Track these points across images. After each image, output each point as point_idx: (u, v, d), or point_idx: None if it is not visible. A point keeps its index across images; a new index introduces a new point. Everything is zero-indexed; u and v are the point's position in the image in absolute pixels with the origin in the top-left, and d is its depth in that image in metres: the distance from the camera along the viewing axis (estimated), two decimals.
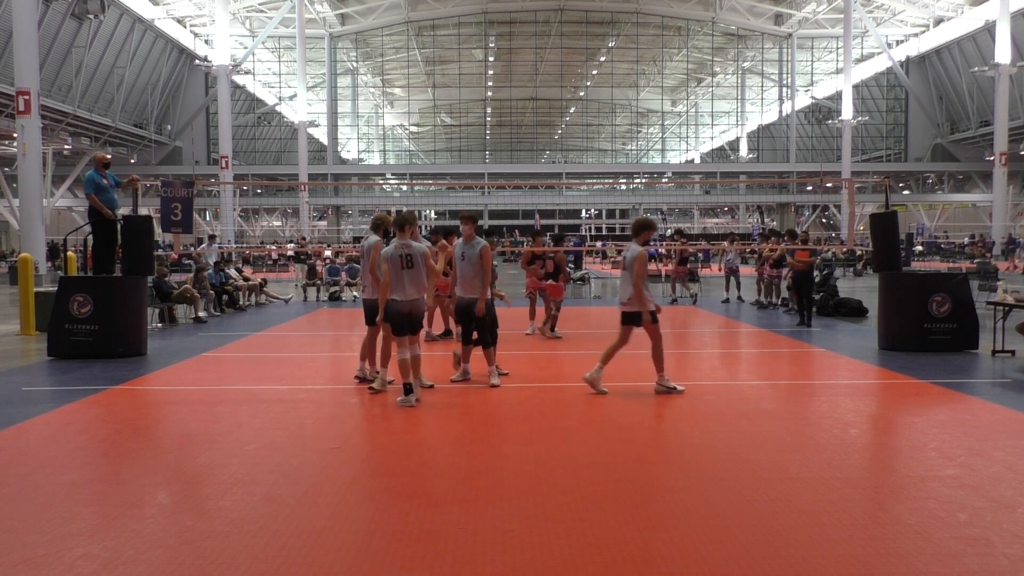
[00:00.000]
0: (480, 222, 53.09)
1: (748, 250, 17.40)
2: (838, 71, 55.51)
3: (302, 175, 48.19)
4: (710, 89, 64.87)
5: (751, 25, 58.28)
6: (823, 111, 56.74)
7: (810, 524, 4.14)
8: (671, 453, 5.59)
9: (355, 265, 20.08)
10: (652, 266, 27.20)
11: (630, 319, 7.32)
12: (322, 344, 11.86)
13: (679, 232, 21.80)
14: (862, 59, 57.33)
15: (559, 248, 12.53)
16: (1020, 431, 6.04)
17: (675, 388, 7.43)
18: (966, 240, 48.02)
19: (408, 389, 7.00)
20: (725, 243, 20.16)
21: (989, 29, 44.97)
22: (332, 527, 4.14)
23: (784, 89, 59.72)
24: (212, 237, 29.14)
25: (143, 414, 7.00)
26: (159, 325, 13.69)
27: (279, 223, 66.45)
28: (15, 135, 25.95)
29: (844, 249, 31.72)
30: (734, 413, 6.79)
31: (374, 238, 7.98)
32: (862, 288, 20.89)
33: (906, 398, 7.39)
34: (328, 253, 24.17)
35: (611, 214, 65.77)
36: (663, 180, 58.55)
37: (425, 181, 59.70)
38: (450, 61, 60.91)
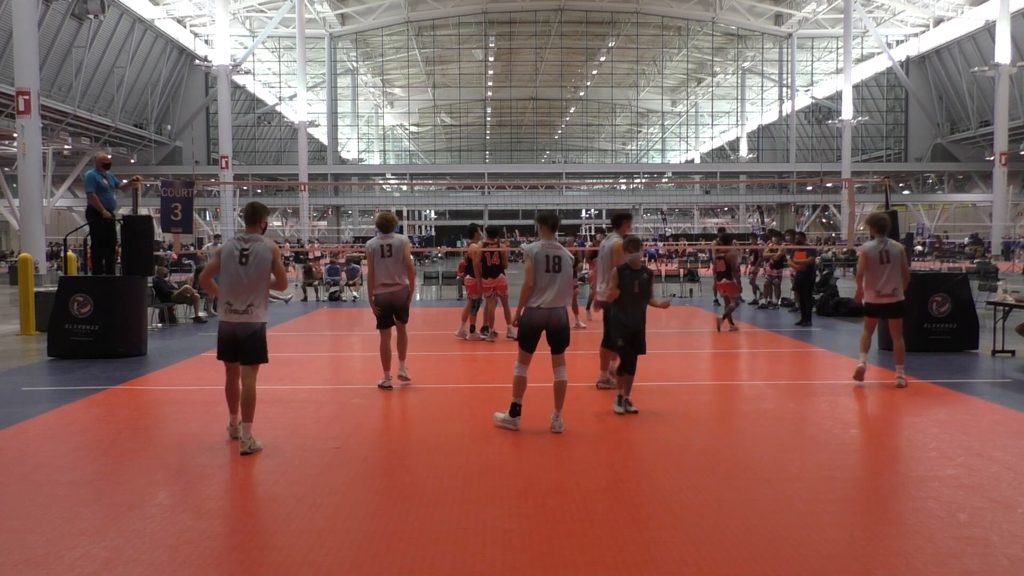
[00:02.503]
0: (479, 222, 52.91)
1: (748, 250, 17.45)
2: (838, 71, 55.47)
3: (302, 175, 48.18)
4: (710, 89, 64.85)
5: (751, 25, 58.26)
6: (823, 111, 56.70)
7: (810, 524, 4.14)
8: (671, 453, 5.59)
9: (355, 265, 20.10)
10: (652, 266, 27.22)
11: (894, 311, 7.95)
12: (322, 344, 11.85)
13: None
14: (862, 59, 57.29)
15: (727, 248, 13.09)
16: (1020, 431, 6.04)
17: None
18: (966, 240, 48.01)
19: (515, 410, 6.08)
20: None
21: (989, 29, 44.95)
22: (332, 527, 4.14)
23: (784, 89, 59.69)
24: (218, 237, 29.03)
25: (143, 414, 7.00)
26: (159, 325, 13.69)
27: (279, 223, 66.43)
28: (15, 135, 25.93)
29: (844, 249, 31.71)
30: (734, 413, 6.79)
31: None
32: None
33: (906, 398, 7.38)
34: (324, 259, 23.91)
35: (611, 214, 65.67)
36: (663, 180, 58.53)
37: (425, 181, 59.70)
38: (450, 61, 60.90)
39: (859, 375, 7.92)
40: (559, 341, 6.06)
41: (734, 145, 67.44)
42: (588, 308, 13.60)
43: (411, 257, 7.82)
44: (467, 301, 12.06)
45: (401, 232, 10.51)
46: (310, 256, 25.30)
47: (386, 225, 7.79)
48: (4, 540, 3.97)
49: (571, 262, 6.11)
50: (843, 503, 4.52)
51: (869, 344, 8.12)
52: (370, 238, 8.04)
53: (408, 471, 5.17)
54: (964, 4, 49.11)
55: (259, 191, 52.03)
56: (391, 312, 7.71)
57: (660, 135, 68.82)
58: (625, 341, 6.58)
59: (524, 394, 6.08)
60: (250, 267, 5.45)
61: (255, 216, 5.66)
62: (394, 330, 7.79)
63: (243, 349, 5.56)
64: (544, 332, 6.05)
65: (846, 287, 19.85)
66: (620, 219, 7.94)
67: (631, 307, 6.56)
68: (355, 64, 60.70)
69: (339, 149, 61.31)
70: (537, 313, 5.98)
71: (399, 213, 58.35)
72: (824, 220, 61.40)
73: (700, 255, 34.24)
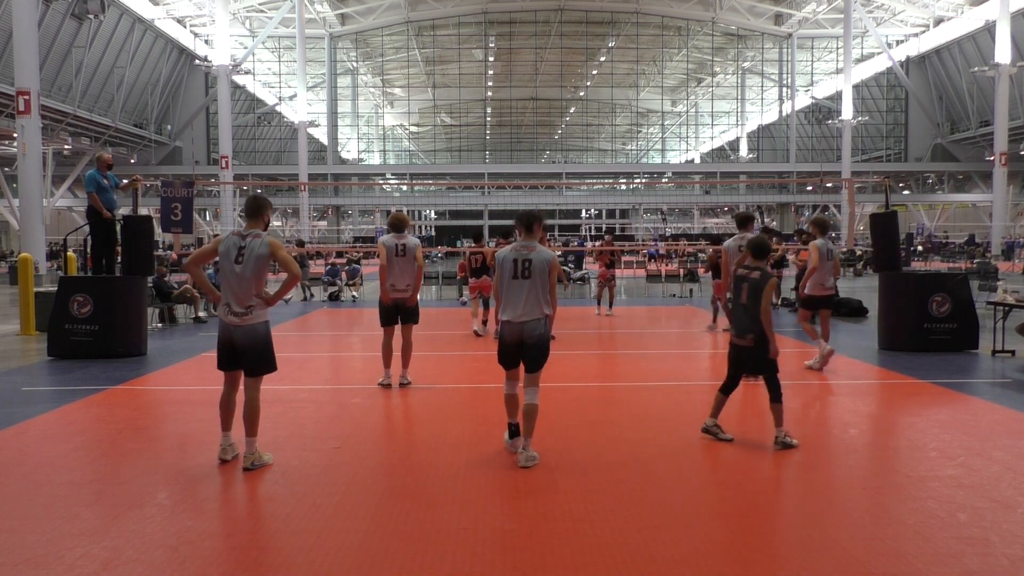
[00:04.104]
0: (480, 222, 52.74)
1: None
2: (838, 71, 55.49)
3: (302, 175, 48.18)
4: (710, 89, 64.87)
5: (751, 25, 58.27)
6: (823, 111, 56.72)
7: (810, 524, 4.14)
8: (671, 453, 5.59)
9: (355, 266, 20.10)
10: (652, 266, 27.24)
11: (829, 302, 8.97)
12: (322, 344, 11.86)
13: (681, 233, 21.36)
14: (862, 59, 57.32)
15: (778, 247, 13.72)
16: (1020, 431, 6.04)
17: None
18: (965, 238, 47.99)
19: (514, 431, 5.48)
20: None
21: (989, 29, 44.96)
22: (332, 527, 4.14)
23: (784, 89, 59.71)
24: (217, 237, 29.01)
25: (143, 414, 7.00)
26: (159, 325, 13.68)
27: (279, 223, 66.46)
28: (15, 135, 25.93)
29: (843, 249, 31.69)
30: (734, 413, 6.79)
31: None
32: (862, 288, 20.88)
33: (906, 398, 7.39)
34: (318, 260, 23.85)
35: (611, 214, 65.79)
36: (663, 180, 58.55)
37: (425, 181, 59.71)
38: (450, 61, 60.93)
39: (825, 360, 8.73)
40: (531, 358, 5.23)
41: (734, 145, 67.48)
42: (607, 305, 14.64)
43: (423, 260, 7.90)
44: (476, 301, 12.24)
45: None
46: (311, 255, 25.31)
47: (399, 225, 7.86)
48: (4, 540, 3.97)
49: (546, 264, 5.22)
50: (843, 503, 4.52)
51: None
52: (370, 238, 8.08)
53: (408, 471, 5.17)
54: (964, 4, 49.12)
55: (259, 191, 52.05)
56: (396, 313, 7.75)
57: (660, 135, 68.86)
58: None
59: (519, 412, 5.45)
60: (245, 265, 4.99)
61: (257, 209, 5.17)
62: (399, 333, 7.82)
63: (245, 358, 5.09)
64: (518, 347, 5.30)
65: (846, 287, 19.86)
66: (747, 220, 8.71)
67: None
68: (355, 64, 60.73)
69: (339, 149, 61.33)
70: (508, 327, 5.27)
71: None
72: None
73: (700, 255, 34.20)
